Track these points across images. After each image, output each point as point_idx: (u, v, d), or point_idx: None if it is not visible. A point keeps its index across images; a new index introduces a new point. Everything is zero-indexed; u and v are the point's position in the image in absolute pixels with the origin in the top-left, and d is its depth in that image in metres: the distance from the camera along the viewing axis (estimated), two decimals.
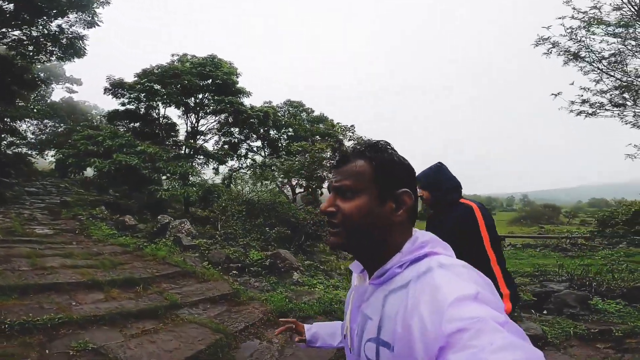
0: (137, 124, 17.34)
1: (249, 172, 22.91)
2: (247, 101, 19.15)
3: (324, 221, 9.90)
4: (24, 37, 12.48)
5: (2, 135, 19.62)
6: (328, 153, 13.70)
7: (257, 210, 10.11)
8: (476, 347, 0.51)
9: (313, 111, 25.50)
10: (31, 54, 13.04)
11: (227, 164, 19.68)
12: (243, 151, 22.57)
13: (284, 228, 9.61)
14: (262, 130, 21.10)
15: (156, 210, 15.10)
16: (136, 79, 16.88)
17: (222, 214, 9.82)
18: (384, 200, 0.76)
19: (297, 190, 20.42)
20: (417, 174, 1.03)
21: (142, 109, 18.08)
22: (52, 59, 13.72)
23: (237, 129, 20.95)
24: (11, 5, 10.92)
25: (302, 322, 1.40)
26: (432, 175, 2.22)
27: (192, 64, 17.12)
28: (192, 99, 17.70)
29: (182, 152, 14.72)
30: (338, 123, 22.14)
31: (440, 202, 2.19)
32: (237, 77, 18.81)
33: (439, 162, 2.28)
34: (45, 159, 24.33)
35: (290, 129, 22.90)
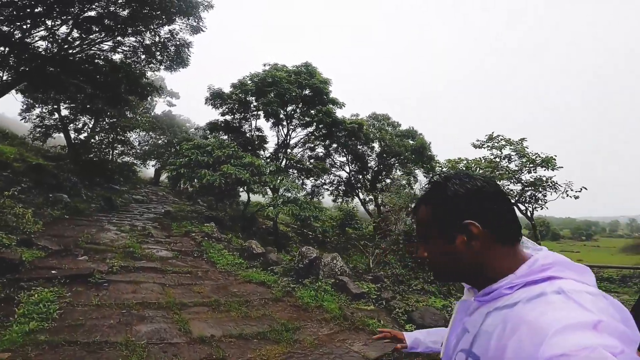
0: (231, 135, 16.95)
1: (330, 188, 21.65)
2: (338, 113, 17.83)
3: None
4: (137, 45, 12.48)
5: (115, 145, 20.94)
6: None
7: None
8: None
9: (400, 124, 23.39)
10: (143, 62, 13.00)
11: (318, 179, 18.41)
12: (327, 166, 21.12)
13: None
14: (350, 144, 19.55)
15: (248, 225, 14.31)
16: (231, 89, 16.41)
17: (377, 246, 7.64)
18: (452, 237, 0.75)
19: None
20: None
21: (237, 122, 17.82)
22: (162, 67, 13.55)
23: (325, 142, 19.79)
24: (126, 12, 10.83)
25: None
26: None
27: (287, 72, 16.33)
28: (285, 110, 16.89)
29: (278, 165, 13.71)
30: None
31: None
32: (330, 87, 17.62)
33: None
34: (147, 168, 25.68)
35: (376, 144, 21.05)
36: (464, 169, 7.78)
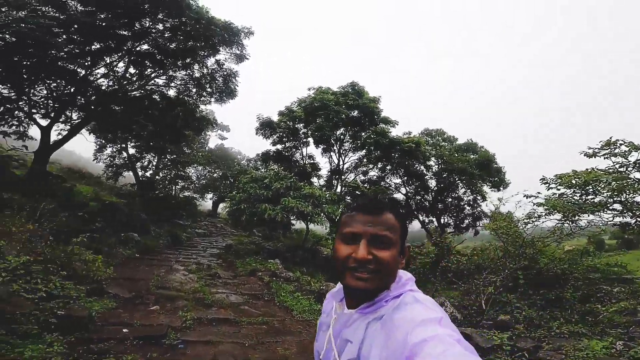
0: (283, 165, 16.55)
1: None
2: (393, 132, 16.71)
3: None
4: (187, 78, 12.69)
5: (176, 180, 21.73)
6: None
7: (547, 273, 6.23)
8: (433, 354, 0.60)
9: (456, 139, 21.55)
10: (195, 96, 13.15)
11: None
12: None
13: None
14: (407, 164, 18.13)
15: (310, 257, 13.41)
16: (279, 117, 16.17)
17: (489, 283, 5.83)
18: (402, 252, 0.86)
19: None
20: None
21: (287, 150, 17.44)
22: (212, 100, 13.61)
23: (378, 165, 18.65)
24: (173, 45, 11.05)
25: None
26: None
27: (333, 94, 15.73)
28: (334, 134, 16.16)
29: (337, 193, 12.84)
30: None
31: None
32: (379, 105, 16.65)
33: None
34: (205, 201, 26.30)
35: (432, 161, 19.36)
36: (583, 182, 6.26)
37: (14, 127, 9.88)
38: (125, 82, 11.42)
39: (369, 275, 0.80)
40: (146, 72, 11.62)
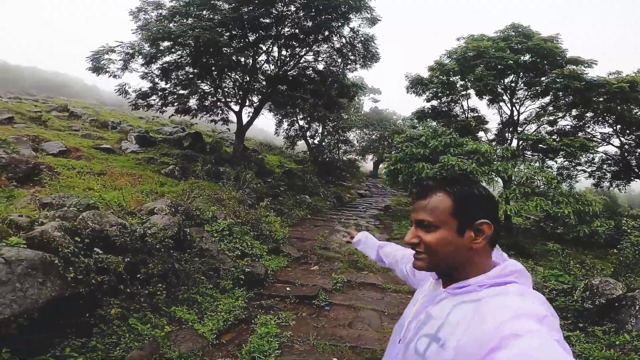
0: (441, 121, 15.03)
1: (588, 169, 15.43)
2: (590, 73, 12.25)
3: None
4: (330, 50, 13.15)
5: (339, 145, 23.55)
6: None
7: None
8: (524, 347, 0.57)
9: None
10: (341, 65, 13.56)
11: (570, 159, 13.61)
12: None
13: None
14: (620, 109, 13.07)
15: None
16: (430, 72, 14.55)
17: None
18: (463, 232, 0.81)
19: None
20: None
21: (444, 105, 15.85)
22: (357, 67, 13.73)
23: (572, 112, 14.29)
24: (310, 23, 11.53)
25: None
26: None
27: (490, 40, 12.80)
28: (502, 82, 13.37)
29: (511, 149, 10.68)
30: None
31: None
32: (561, 44, 12.53)
33: None
34: (366, 162, 27.69)
35: None
36: None
37: (219, 115, 13.12)
38: (281, 64, 12.92)
39: (421, 256, 0.85)
40: (295, 52, 12.77)
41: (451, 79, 14.10)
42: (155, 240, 3.64)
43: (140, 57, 10.60)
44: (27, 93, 22.49)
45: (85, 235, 3.16)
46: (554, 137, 14.29)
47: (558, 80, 11.77)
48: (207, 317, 3.38)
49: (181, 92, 12.20)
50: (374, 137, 26.28)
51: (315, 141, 20.99)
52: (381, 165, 25.62)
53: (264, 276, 4.55)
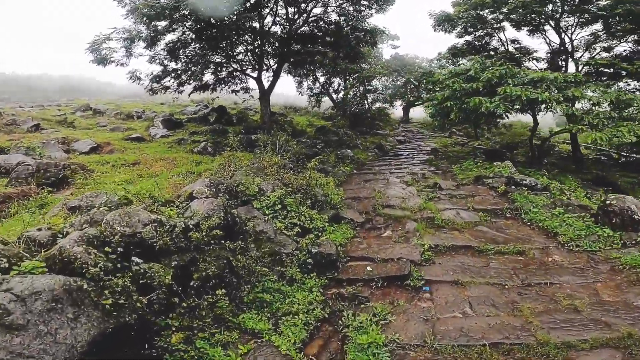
0: (478, 56, 13.40)
1: None
2: None
3: None
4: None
5: (366, 95, 21.85)
6: None
7: None
8: None
9: None
10: (354, 13, 12.09)
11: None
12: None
13: None
14: None
15: (539, 155, 10.37)
16: (455, 7, 13.32)
17: None
18: None
19: None
20: None
21: (478, 40, 14.19)
22: (373, 12, 12.13)
23: (630, 37, 11.93)
24: None
25: None
26: None
27: None
28: (544, 10, 11.50)
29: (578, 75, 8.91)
30: None
31: None
32: None
33: None
34: (395, 109, 25.90)
35: None
36: None
37: (238, 85, 12.32)
38: (291, 24, 11.73)
39: None
40: (301, 7, 11.46)
41: (480, 12, 12.79)
42: (201, 233, 2.87)
43: (140, 41, 9.86)
44: (48, 99, 22.60)
45: (116, 243, 2.44)
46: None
47: (609, 4, 10.01)
48: (283, 323, 2.65)
49: (193, 68, 11.26)
50: (398, 83, 24.52)
51: (340, 96, 19.60)
52: (416, 109, 23.79)
53: (336, 255, 3.70)
